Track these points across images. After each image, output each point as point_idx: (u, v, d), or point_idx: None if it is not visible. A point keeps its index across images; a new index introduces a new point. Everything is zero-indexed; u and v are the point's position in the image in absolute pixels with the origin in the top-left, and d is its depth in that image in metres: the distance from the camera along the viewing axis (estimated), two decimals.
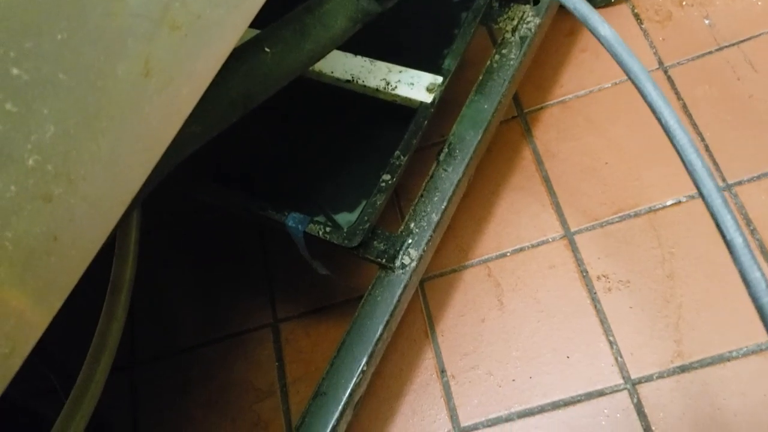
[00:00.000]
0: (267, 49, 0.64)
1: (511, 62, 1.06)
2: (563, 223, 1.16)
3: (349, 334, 0.92)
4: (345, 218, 1.05)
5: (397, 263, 0.95)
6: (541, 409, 1.03)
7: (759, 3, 1.26)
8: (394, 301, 0.93)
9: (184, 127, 0.50)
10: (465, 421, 1.06)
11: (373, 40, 1.05)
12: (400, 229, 0.97)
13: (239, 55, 0.62)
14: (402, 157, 0.98)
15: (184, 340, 1.26)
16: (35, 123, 0.36)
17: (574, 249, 1.14)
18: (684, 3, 1.31)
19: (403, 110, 1.05)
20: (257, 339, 1.23)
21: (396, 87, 1.04)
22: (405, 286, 0.94)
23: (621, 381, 1.02)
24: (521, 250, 1.17)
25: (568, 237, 1.15)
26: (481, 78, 1.05)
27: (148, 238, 0.84)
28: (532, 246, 1.16)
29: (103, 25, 0.39)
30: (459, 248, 1.20)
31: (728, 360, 0.99)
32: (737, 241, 0.60)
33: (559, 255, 1.14)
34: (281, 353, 1.20)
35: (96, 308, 0.83)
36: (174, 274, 1.35)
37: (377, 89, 1.05)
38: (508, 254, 1.17)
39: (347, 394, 0.89)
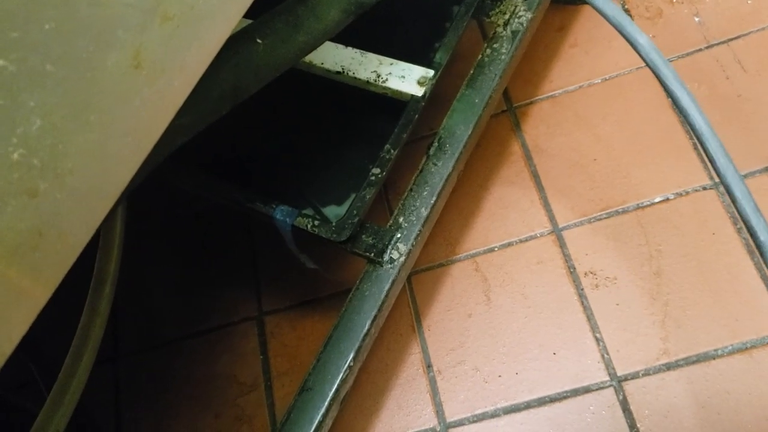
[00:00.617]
0: (259, 41, 0.62)
1: (503, 56, 1.05)
2: (551, 218, 1.16)
3: (336, 329, 0.91)
4: (333, 211, 1.04)
5: (386, 258, 0.94)
6: (527, 405, 1.03)
7: (749, 2, 1.26)
8: (382, 296, 0.92)
9: (173, 119, 0.49)
10: (451, 417, 1.06)
11: (364, 32, 1.04)
12: (389, 224, 0.96)
13: (230, 46, 0.61)
14: (392, 151, 0.97)
15: (168, 332, 1.24)
16: (21, 116, 0.35)
17: (562, 245, 1.14)
18: (674, 0, 1.31)
19: (393, 103, 1.04)
20: (242, 332, 1.21)
21: (387, 79, 1.03)
22: (393, 281, 0.93)
23: (607, 378, 1.02)
24: (509, 245, 1.17)
25: (556, 233, 1.15)
26: (472, 72, 1.04)
27: (132, 228, 0.83)
28: (520, 241, 1.16)
29: (93, 15, 0.38)
30: (446, 242, 1.20)
31: (713, 358, 0.99)
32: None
33: (547, 251, 1.14)
34: (266, 347, 1.19)
35: (78, 300, 0.81)
36: (158, 265, 1.33)
37: (368, 81, 1.04)
38: (496, 249, 1.17)
39: (333, 390, 0.88)
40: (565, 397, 1.02)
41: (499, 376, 1.07)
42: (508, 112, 1.29)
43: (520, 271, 1.13)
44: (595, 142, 1.21)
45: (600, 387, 1.02)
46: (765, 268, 1.03)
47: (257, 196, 0.98)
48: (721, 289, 1.03)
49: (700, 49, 1.25)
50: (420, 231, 0.96)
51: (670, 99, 0.73)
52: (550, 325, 1.08)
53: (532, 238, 1.16)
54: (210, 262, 1.30)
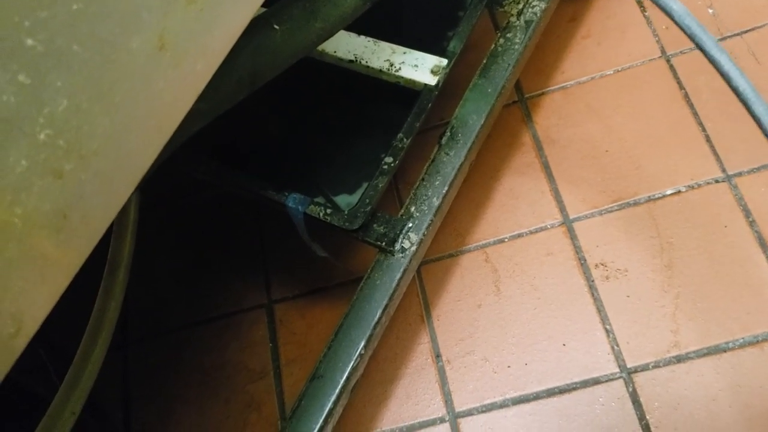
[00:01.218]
0: (276, 27, 0.62)
1: (516, 46, 1.05)
2: (562, 210, 1.16)
3: (347, 317, 0.91)
4: (345, 200, 1.04)
5: (397, 247, 0.94)
6: (536, 396, 1.04)
7: None
8: (393, 284, 0.92)
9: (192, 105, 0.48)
10: (459, 407, 1.06)
11: (378, 21, 1.04)
12: (400, 213, 0.96)
13: (248, 32, 0.61)
14: (405, 140, 0.97)
15: (178, 319, 1.24)
16: (48, 96, 0.35)
17: (573, 236, 1.13)
18: None
19: (406, 92, 1.04)
20: (251, 319, 1.22)
21: (400, 68, 1.03)
22: (404, 270, 0.93)
23: (617, 369, 1.02)
24: (519, 236, 1.16)
25: (567, 224, 1.15)
26: (485, 61, 1.04)
27: (142, 216, 0.83)
28: (531, 232, 1.16)
29: None
30: (457, 233, 1.19)
31: (724, 351, 0.99)
32: None
33: (558, 242, 1.14)
34: (275, 334, 1.20)
35: (82, 286, 0.81)
36: (169, 252, 1.33)
37: (381, 70, 1.03)
38: (506, 240, 1.17)
39: (344, 378, 0.88)
40: (575, 389, 1.02)
41: (508, 366, 1.07)
42: (520, 103, 1.29)
43: (530, 262, 1.13)
44: (607, 133, 1.21)
45: (609, 378, 1.02)
46: None
47: (269, 184, 0.98)
48: (733, 282, 1.03)
49: None
50: (431, 221, 0.96)
51: (713, 65, 0.72)
52: (560, 316, 1.08)
53: (542, 229, 1.16)
54: (219, 250, 1.30)
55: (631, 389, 1.00)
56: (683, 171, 1.13)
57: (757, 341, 0.99)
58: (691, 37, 0.74)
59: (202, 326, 1.23)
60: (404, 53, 1.04)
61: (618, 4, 1.34)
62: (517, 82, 1.31)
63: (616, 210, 1.13)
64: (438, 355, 1.11)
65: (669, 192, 1.13)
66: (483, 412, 1.05)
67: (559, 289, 1.10)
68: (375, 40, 1.06)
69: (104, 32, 0.37)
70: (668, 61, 1.25)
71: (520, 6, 1.06)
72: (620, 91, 1.24)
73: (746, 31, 1.23)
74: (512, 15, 1.06)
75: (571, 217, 1.15)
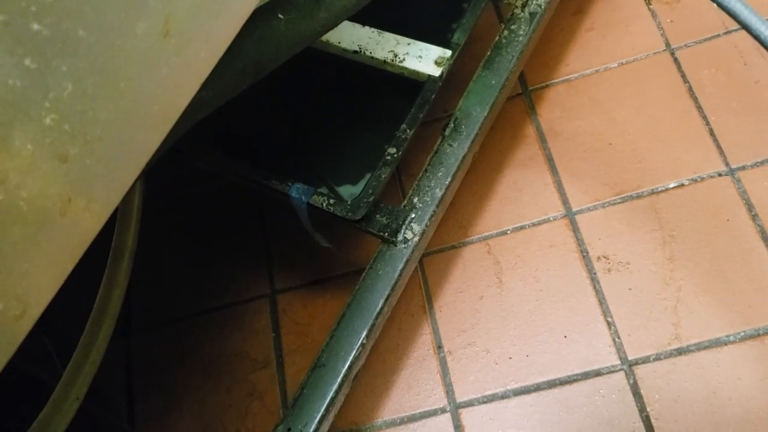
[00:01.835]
0: (280, 15, 0.62)
1: (520, 38, 1.05)
2: (565, 202, 1.16)
3: (349, 306, 0.92)
4: (348, 191, 1.04)
5: (400, 237, 0.94)
6: (537, 387, 1.04)
7: None
8: (396, 275, 0.93)
9: (196, 93, 0.49)
10: (461, 397, 1.06)
11: (382, 11, 1.04)
12: (403, 204, 0.96)
13: (253, 20, 0.61)
14: (408, 131, 0.97)
15: (181, 309, 1.25)
16: (54, 81, 0.35)
17: (575, 229, 1.14)
18: None
19: (409, 83, 1.04)
20: (254, 309, 1.22)
21: (404, 59, 1.03)
22: (407, 261, 0.93)
23: (618, 362, 1.02)
24: (522, 228, 1.17)
25: (570, 216, 1.15)
26: (489, 53, 1.04)
27: (148, 205, 0.83)
28: (533, 224, 1.16)
29: None
30: (459, 224, 1.20)
31: (725, 344, 0.99)
32: None
33: (560, 234, 1.14)
34: (278, 324, 1.20)
35: (91, 274, 0.82)
36: (172, 241, 1.34)
37: (385, 61, 1.03)
38: (509, 232, 1.17)
39: (346, 367, 0.88)
40: (576, 380, 1.03)
41: (510, 358, 1.07)
42: (523, 95, 1.29)
43: (533, 254, 1.14)
44: (611, 126, 1.21)
45: (611, 371, 1.02)
46: None
47: (273, 173, 0.99)
48: (735, 276, 1.03)
49: (719, 35, 1.24)
50: (434, 212, 0.96)
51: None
52: (562, 308, 1.08)
53: (545, 221, 1.16)
54: (223, 240, 1.31)
55: (631, 381, 1.00)
56: (686, 164, 1.13)
57: (759, 335, 0.99)
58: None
59: (205, 316, 1.24)
60: (408, 44, 1.04)
61: None
62: (521, 75, 1.30)
63: (619, 203, 1.13)
64: (440, 346, 1.11)
65: (672, 185, 1.13)
66: (484, 402, 1.05)
67: (561, 281, 1.10)
68: (379, 30, 1.06)
69: (110, 17, 0.38)
70: (672, 54, 1.25)
71: None
72: (624, 84, 1.24)
73: None
74: (516, 7, 1.06)
75: (573, 210, 1.15)
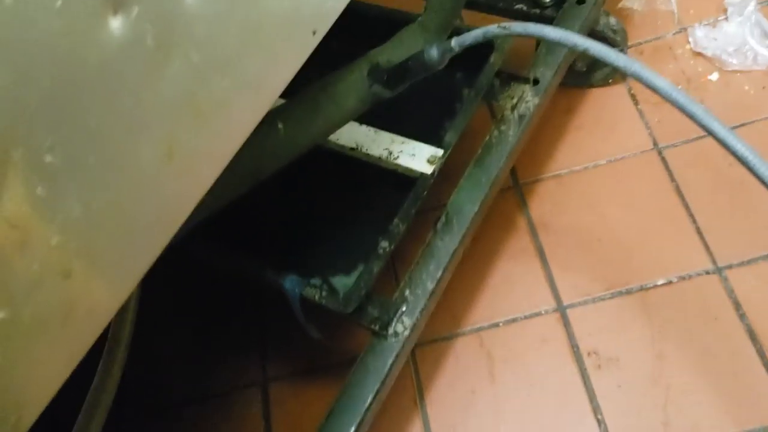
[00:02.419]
0: (280, 125, 0.66)
1: (510, 138, 1.09)
2: (556, 296, 1.18)
3: (338, 401, 0.92)
4: (341, 281, 1.06)
5: (391, 331, 0.95)
6: None
7: (751, 92, 1.31)
8: (386, 369, 0.93)
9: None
10: None
11: (379, 111, 1.08)
12: (394, 296, 0.98)
13: (253, 131, 0.64)
14: (400, 225, 1.00)
15: (172, 396, 1.24)
16: (62, 205, 0.38)
17: (566, 323, 1.15)
18: (680, 87, 1.35)
19: (403, 179, 1.07)
20: (246, 398, 1.22)
21: (398, 157, 1.07)
22: (397, 355, 0.94)
23: None
24: (514, 320, 1.18)
25: (561, 311, 1.16)
26: (479, 152, 1.08)
27: (145, 293, 0.85)
28: (525, 317, 1.17)
29: (133, 110, 0.41)
30: (451, 316, 1.21)
31: None
32: None
33: (551, 328, 1.15)
34: (269, 413, 1.20)
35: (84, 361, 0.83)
36: (164, 326, 1.34)
37: (380, 158, 1.07)
38: (501, 324, 1.18)
39: None
40: None
41: None
42: (515, 189, 1.32)
43: (525, 348, 1.14)
44: (600, 222, 1.24)
45: None
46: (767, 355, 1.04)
47: (267, 264, 1.01)
48: (723, 375, 1.04)
49: (705, 135, 1.28)
50: (425, 305, 0.97)
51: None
52: (553, 405, 1.08)
53: (536, 315, 1.17)
54: (219, 326, 1.31)
55: None
56: (674, 262, 1.16)
57: None
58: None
59: (198, 404, 1.23)
60: (402, 143, 1.08)
61: (612, 97, 1.40)
62: (512, 169, 1.34)
63: (609, 298, 1.15)
64: None
65: (660, 282, 1.15)
66: None
67: (552, 377, 1.10)
68: (375, 129, 1.10)
69: (116, 143, 0.41)
70: (660, 153, 1.29)
71: (515, 101, 1.11)
72: (613, 181, 1.28)
73: (736, 127, 1.27)
74: (506, 109, 1.11)
75: (564, 304, 1.17)
